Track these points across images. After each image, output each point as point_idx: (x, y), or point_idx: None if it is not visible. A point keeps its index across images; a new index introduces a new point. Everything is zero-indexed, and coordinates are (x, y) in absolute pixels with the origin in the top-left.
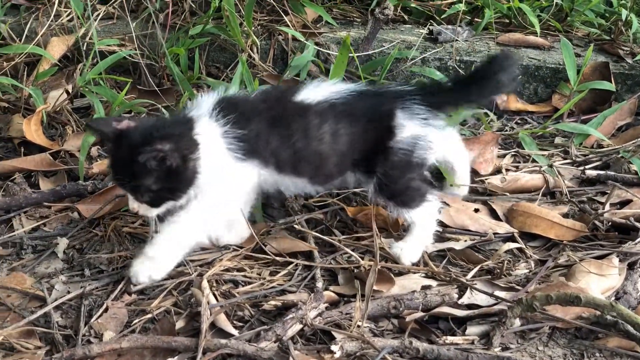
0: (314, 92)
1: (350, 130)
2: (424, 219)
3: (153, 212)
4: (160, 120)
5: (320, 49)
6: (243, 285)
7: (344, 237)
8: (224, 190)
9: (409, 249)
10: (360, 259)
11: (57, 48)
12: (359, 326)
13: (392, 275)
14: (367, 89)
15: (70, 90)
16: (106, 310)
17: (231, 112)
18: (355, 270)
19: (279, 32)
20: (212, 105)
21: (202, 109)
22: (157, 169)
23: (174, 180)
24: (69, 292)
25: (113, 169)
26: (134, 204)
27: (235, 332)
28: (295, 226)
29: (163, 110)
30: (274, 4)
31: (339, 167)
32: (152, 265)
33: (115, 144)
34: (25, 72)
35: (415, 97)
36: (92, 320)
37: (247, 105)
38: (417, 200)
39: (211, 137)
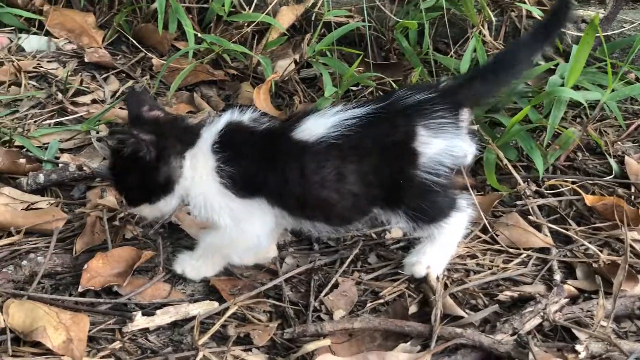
0: (314, 126)
1: (360, 167)
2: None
3: (136, 211)
4: (179, 121)
5: None
6: (475, 273)
7: (580, 228)
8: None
9: None
10: (599, 252)
11: (286, 17)
12: (602, 326)
13: (635, 273)
14: (375, 111)
15: (297, 60)
16: (336, 286)
17: (228, 147)
18: (594, 265)
19: (512, 8)
20: (215, 136)
21: (208, 137)
22: (130, 158)
23: (146, 178)
24: (298, 266)
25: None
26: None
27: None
28: (530, 217)
29: (392, 84)
30: None
31: (355, 209)
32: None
33: (131, 125)
34: (255, 41)
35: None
36: (321, 295)
37: (246, 139)
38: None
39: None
